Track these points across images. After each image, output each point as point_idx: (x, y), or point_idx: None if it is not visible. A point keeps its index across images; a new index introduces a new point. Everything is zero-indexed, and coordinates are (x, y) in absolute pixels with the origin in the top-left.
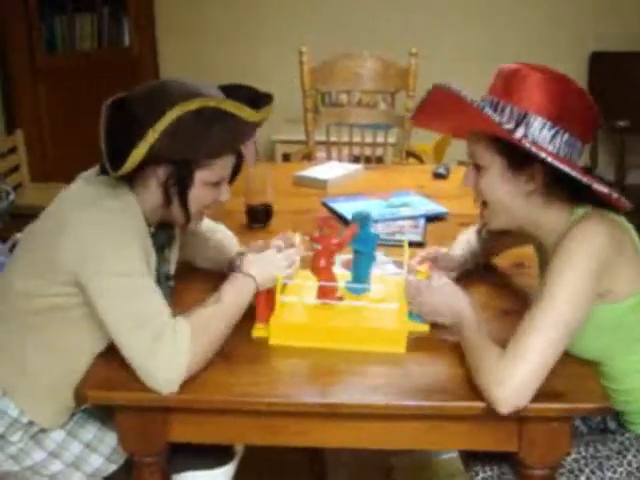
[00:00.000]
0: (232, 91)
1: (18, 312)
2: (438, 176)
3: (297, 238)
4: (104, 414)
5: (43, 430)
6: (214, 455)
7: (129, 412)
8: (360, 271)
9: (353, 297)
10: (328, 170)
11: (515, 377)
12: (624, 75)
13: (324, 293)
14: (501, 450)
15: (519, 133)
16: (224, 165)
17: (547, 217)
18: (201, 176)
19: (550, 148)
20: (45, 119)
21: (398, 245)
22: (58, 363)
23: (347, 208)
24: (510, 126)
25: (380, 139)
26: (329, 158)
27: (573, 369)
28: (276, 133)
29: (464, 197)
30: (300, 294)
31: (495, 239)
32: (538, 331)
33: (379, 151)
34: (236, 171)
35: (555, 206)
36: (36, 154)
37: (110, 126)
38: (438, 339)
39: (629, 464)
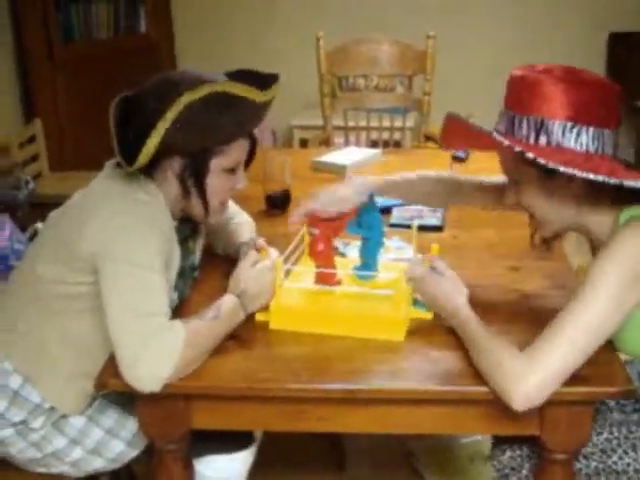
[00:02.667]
0: (237, 76)
1: (40, 298)
2: (457, 159)
3: (274, 254)
4: (124, 400)
5: (64, 416)
6: (234, 440)
7: (150, 399)
8: (367, 257)
9: (360, 283)
10: (347, 155)
11: (534, 377)
12: None
13: (322, 279)
14: (522, 433)
15: (542, 141)
16: (238, 150)
17: (595, 219)
18: (216, 163)
19: (578, 148)
20: (63, 108)
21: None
22: (78, 350)
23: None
24: (531, 140)
25: (398, 123)
26: (347, 143)
27: (596, 353)
28: (294, 119)
29: None
30: (303, 280)
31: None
32: (566, 334)
33: (397, 135)
34: (251, 156)
35: (602, 207)
36: (55, 143)
37: (120, 123)
38: (442, 326)
39: None
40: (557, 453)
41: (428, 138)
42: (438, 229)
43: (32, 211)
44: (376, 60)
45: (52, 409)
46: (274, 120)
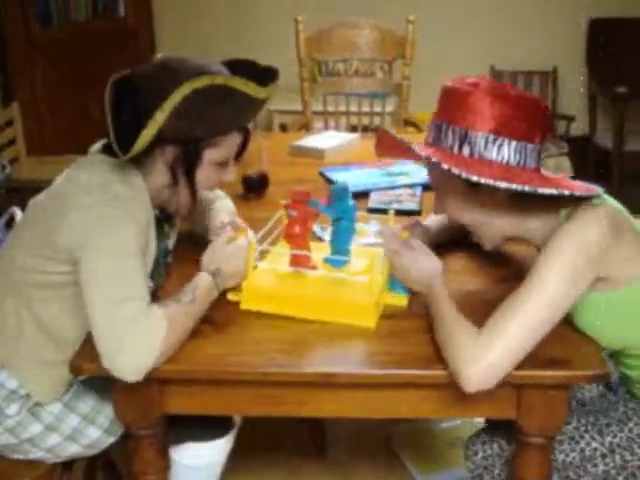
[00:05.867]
0: (236, 67)
1: (17, 286)
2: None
3: (251, 235)
4: (101, 386)
5: (40, 403)
6: (212, 427)
7: (124, 384)
8: (339, 243)
9: (332, 270)
10: (325, 139)
11: (486, 360)
12: (622, 42)
13: (297, 261)
14: (499, 417)
15: (465, 152)
16: (231, 143)
17: (532, 223)
18: (209, 155)
19: (499, 160)
20: (41, 92)
21: (396, 214)
22: (55, 338)
23: (344, 177)
24: (455, 150)
25: (378, 108)
26: (327, 128)
27: (572, 335)
28: (273, 103)
29: None
30: (277, 261)
31: None
32: (520, 313)
33: (377, 120)
34: (242, 149)
35: (540, 210)
36: (32, 127)
37: (116, 108)
38: (417, 313)
39: (630, 431)
40: (534, 437)
41: (407, 123)
42: (416, 213)
43: (8, 196)
44: (356, 45)
45: (28, 396)
46: None
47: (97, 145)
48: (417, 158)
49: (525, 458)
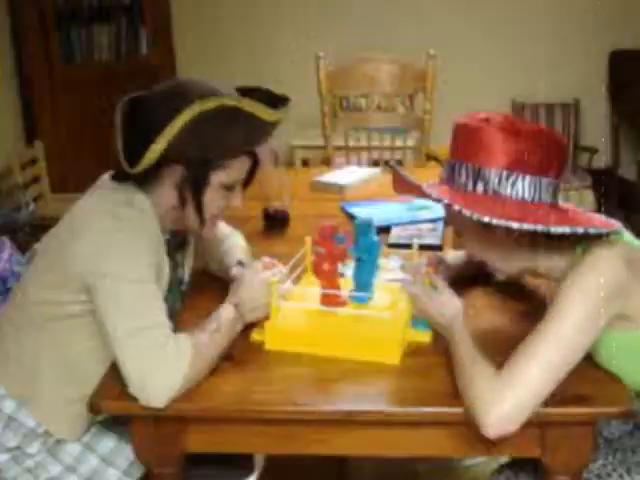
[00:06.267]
0: (249, 92)
1: (32, 321)
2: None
3: (282, 269)
4: (121, 427)
5: (59, 442)
6: (234, 468)
7: (144, 422)
8: (362, 279)
9: (356, 307)
10: (346, 175)
11: (506, 404)
12: None
13: (327, 299)
14: (523, 455)
15: (479, 189)
16: (240, 167)
17: (549, 261)
18: (216, 178)
19: (513, 195)
20: (64, 130)
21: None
22: (72, 373)
23: (366, 212)
24: (469, 187)
25: (399, 142)
26: (348, 163)
27: (596, 372)
28: (295, 139)
29: None
30: (305, 299)
31: None
32: (537, 356)
33: (398, 154)
34: (251, 176)
35: (553, 248)
36: (56, 165)
37: (126, 124)
38: (441, 350)
39: None
40: (559, 474)
41: (429, 157)
42: (437, 248)
43: (33, 233)
44: (376, 79)
45: (47, 434)
46: (275, 140)
47: (107, 174)
48: (427, 198)
49: None
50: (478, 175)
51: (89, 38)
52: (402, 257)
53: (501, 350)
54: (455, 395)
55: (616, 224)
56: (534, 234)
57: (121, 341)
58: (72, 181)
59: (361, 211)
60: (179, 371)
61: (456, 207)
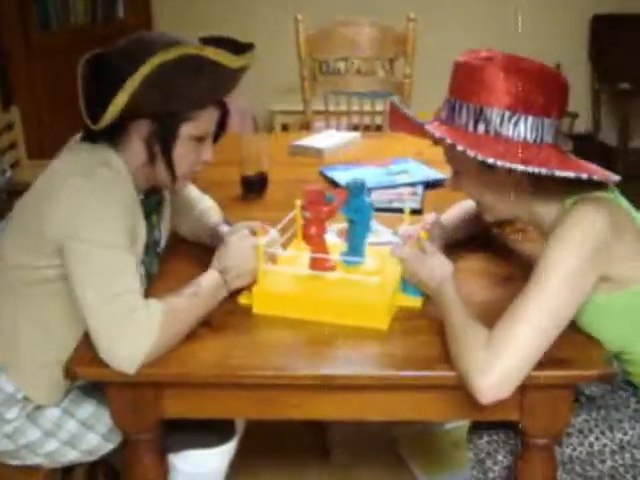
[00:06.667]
0: (212, 41)
1: (10, 286)
2: (436, 142)
3: (273, 232)
4: (101, 392)
5: (39, 407)
6: (214, 433)
7: (120, 388)
8: (355, 242)
9: (347, 269)
10: (325, 139)
11: (498, 369)
12: (626, 38)
13: (316, 263)
14: (502, 419)
15: (480, 129)
16: (208, 118)
17: (540, 207)
18: (185, 130)
19: (515, 136)
20: (41, 96)
21: (396, 213)
22: (50, 338)
23: (344, 176)
24: (470, 127)
25: (379, 107)
26: (328, 127)
27: (575, 335)
28: (274, 104)
29: None
30: (294, 263)
31: None
32: (526, 319)
33: (378, 119)
34: (221, 129)
35: (546, 194)
36: (33, 131)
37: (89, 81)
38: (431, 315)
39: None
40: (537, 438)
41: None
42: (417, 212)
43: (9, 199)
44: (357, 43)
45: (26, 399)
46: (255, 106)
47: (77, 136)
48: (427, 137)
49: (529, 459)
50: (480, 115)
51: (65, 2)
52: (383, 222)
53: (490, 313)
54: (438, 359)
55: (615, 177)
56: (535, 177)
57: (90, 307)
58: (49, 147)
59: (340, 175)
60: (148, 337)
61: (460, 147)
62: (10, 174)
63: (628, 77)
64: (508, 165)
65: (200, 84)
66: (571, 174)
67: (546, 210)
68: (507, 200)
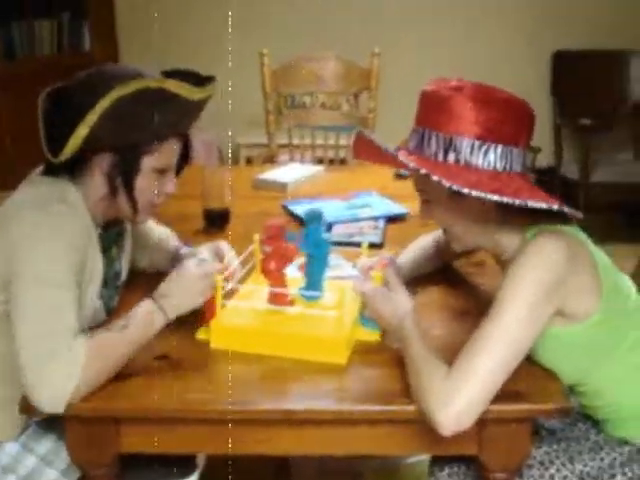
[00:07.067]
0: (173, 74)
1: None
2: (400, 177)
3: (230, 252)
4: (60, 427)
5: None
6: (174, 468)
7: (75, 423)
8: (313, 276)
9: (306, 304)
10: (288, 172)
11: (459, 402)
12: (587, 73)
13: (274, 298)
14: (461, 453)
15: (450, 159)
16: (170, 150)
17: (504, 237)
18: (146, 162)
19: (485, 166)
20: (4, 125)
21: (356, 247)
22: (3, 373)
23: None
24: (440, 157)
25: (343, 141)
26: (292, 160)
27: (532, 368)
28: (240, 137)
29: None
30: (253, 297)
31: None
32: (485, 351)
33: (342, 153)
34: (184, 160)
35: (510, 224)
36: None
37: (49, 114)
38: (390, 348)
39: (601, 460)
40: (497, 472)
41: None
42: (378, 246)
43: None
44: (321, 78)
45: None
46: (221, 138)
47: (38, 169)
48: (400, 166)
49: None
50: (449, 145)
51: (30, 32)
52: (345, 256)
53: (449, 347)
54: (398, 393)
55: (579, 213)
56: (503, 206)
57: (19, 344)
58: (10, 179)
59: (303, 209)
60: (68, 381)
61: (435, 177)
62: None
63: (589, 112)
64: (482, 195)
65: (161, 117)
66: (543, 205)
67: (509, 241)
68: (475, 229)
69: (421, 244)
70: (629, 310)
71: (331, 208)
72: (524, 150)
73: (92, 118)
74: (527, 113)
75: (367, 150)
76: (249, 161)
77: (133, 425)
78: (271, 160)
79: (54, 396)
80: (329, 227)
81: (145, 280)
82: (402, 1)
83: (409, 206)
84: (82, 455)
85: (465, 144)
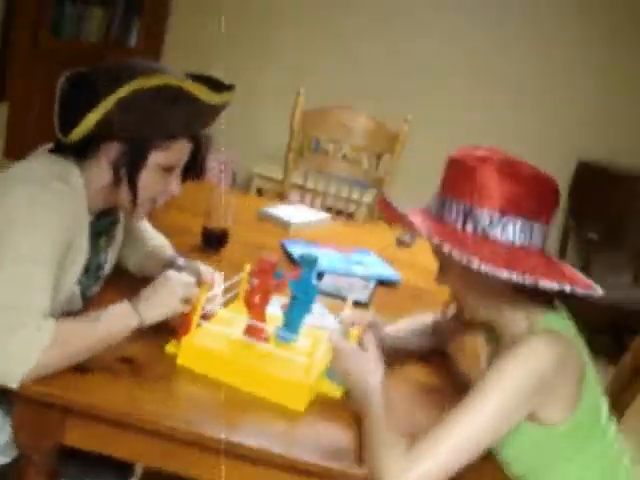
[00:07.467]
0: (196, 78)
1: None
2: (402, 243)
3: (218, 277)
4: (7, 403)
5: None
6: (111, 471)
7: (26, 404)
8: (292, 318)
9: (279, 344)
10: (295, 212)
11: (412, 474)
12: (605, 191)
13: (251, 331)
14: None
15: (469, 228)
16: (179, 150)
17: (516, 315)
18: (154, 158)
19: (502, 238)
20: (35, 100)
21: (342, 300)
22: None
23: (303, 253)
24: (459, 225)
25: (355, 196)
26: (302, 202)
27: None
28: (257, 166)
29: (421, 270)
30: (230, 324)
31: (453, 327)
32: (451, 438)
33: (352, 207)
34: (193, 165)
35: (523, 304)
36: (17, 131)
37: (67, 95)
38: (350, 408)
39: None
40: None
41: (381, 218)
42: (363, 305)
43: None
44: (350, 130)
45: None
46: (237, 163)
47: (46, 146)
48: (414, 231)
49: None
50: (469, 214)
51: (81, 16)
52: (325, 305)
53: (408, 421)
54: (349, 454)
55: (599, 289)
56: (514, 283)
57: None
58: (28, 151)
59: (299, 250)
60: (29, 356)
61: (446, 249)
62: None
63: (598, 228)
64: (491, 271)
65: (176, 114)
66: (555, 286)
67: (515, 323)
68: (485, 302)
69: (419, 320)
70: (595, 432)
71: (326, 257)
72: (546, 225)
73: (108, 104)
74: (552, 189)
75: (388, 211)
76: (260, 192)
77: (80, 419)
78: (281, 197)
79: (9, 370)
80: (320, 275)
81: (129, 280)
82: (442, 72)
83: (404, 274)
84: (25, 436)
85: (485, 215)
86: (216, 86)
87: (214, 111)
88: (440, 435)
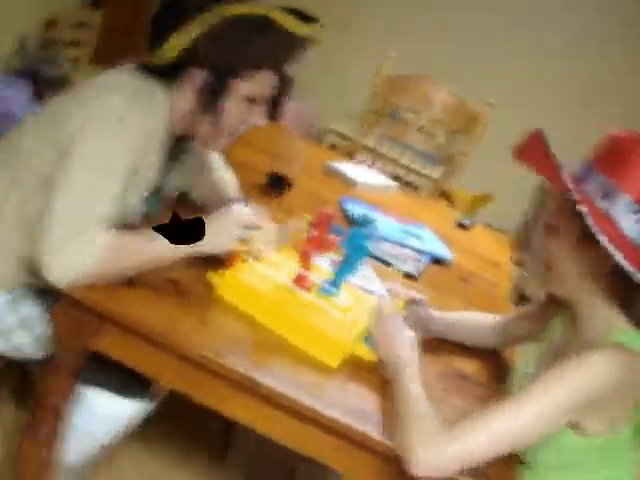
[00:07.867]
0: (284, 9)
1: (13, 171)
2: (461, 225)
3: (294, 223)
4: (50, 299)
5: None
6: (132, 386)
7: (69, 303)
8: (341, 275)
9: (320, 296)
10: (362, 173)
11: (447, 449)
12: None
13: (298, 279)
14: None
15: (603, 206)
16: (264, 81)
17: (592, 311)
18: (238, 87)
19: (629, 232)
20: (129, 8)
21: (392, 269)
22: (29, 233)
23: (363, 213)
24: (596, 198)
25: (425, 171)
26: (372, 166)
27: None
28: (333, 122)
29: (473, 255)
30: (277, 267)
31: (514, 328)
32: (489, 426)
33: (418, 181)
34: (277, 101)
35: (609, 303)
36: (107, 38)
37: (159, 17)
38: (381, 375)
39: None
40: None
41: (443, 194)
42: (412, 278)
43: (54, 92)
44: (431, 102)
45: None
46: (315, 117)
47: (130, 63)
48: (554, 181)
49: None
50: (610, 193)
51: None
52: (374, 269)
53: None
54: (372, 419)
55: None
56: (618, 275)
57: (50, 214)
58: (117, 60)
59: (357, 210)
60: (84, 261)
61: (584, 208)
62: (67, 69)
63: None
64: (610, 248)
65: (262, 44)
66: None
67: (593, 314)
68: (580, 280)
69: (479, 316)
70: (631, 451)
71: (384, 224)
72: None
73: (195, 29)
74: None
75: (531, 150)
76: (332, 148)
77: (115, 327)
78: (351, 156)
79: (63, 271)
80: (377, 239)
81: (191, 208)
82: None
83: (456, 256)
84: (61, 332)
85: (622, 200)
86: (304, 18)
87: (301, 44)
88: (483, 421)
